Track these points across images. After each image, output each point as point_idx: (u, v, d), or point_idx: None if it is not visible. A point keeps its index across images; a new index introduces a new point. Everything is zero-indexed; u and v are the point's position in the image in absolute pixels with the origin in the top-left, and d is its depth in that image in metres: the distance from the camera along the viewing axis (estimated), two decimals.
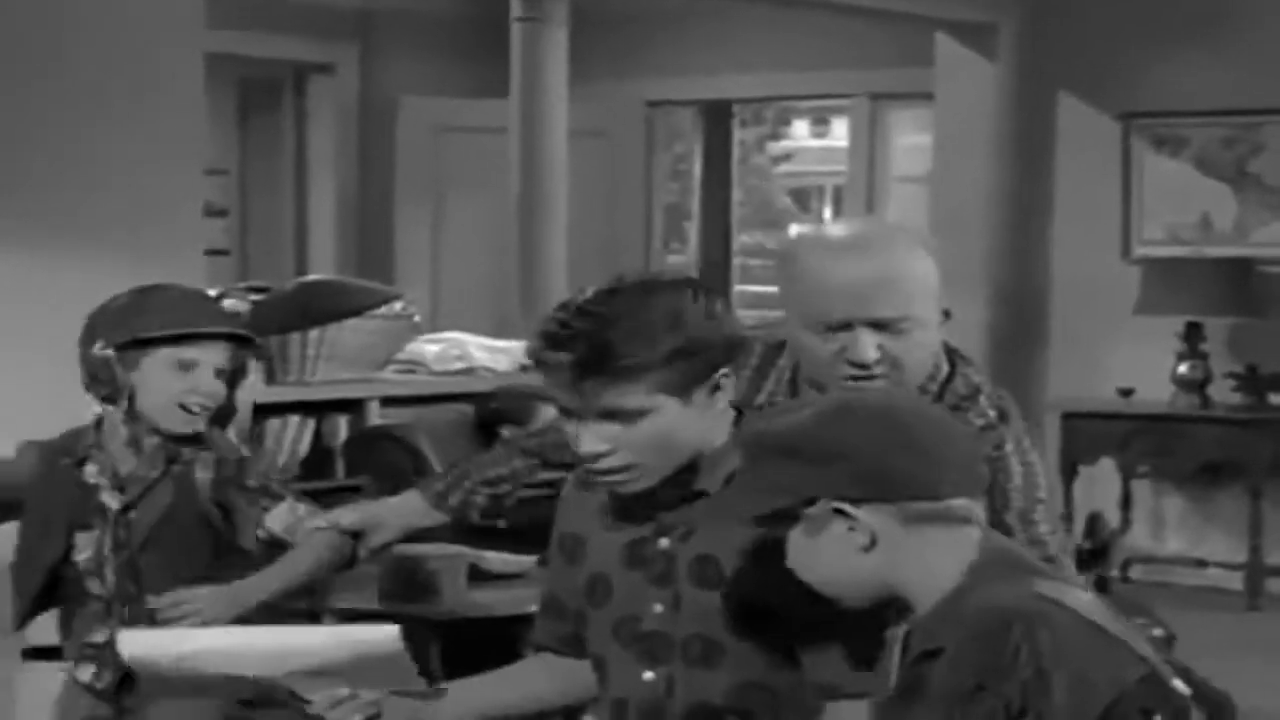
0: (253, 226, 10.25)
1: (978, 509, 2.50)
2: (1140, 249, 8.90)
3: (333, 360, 6.52)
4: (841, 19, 8.94)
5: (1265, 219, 8.62)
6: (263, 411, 6.44)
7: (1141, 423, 8.55)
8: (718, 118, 10.76)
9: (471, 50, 9.45)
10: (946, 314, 3.06)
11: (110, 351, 3.74)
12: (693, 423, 2.72)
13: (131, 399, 3.74)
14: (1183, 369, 8.55)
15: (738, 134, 11.10)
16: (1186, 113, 8.73)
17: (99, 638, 3.75)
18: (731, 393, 2.77)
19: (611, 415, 2.69)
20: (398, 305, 6.75)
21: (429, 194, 9.63)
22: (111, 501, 3.79)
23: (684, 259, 10.82)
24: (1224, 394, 8.39)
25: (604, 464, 2.72)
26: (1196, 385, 8.50)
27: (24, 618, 3.93)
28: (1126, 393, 8.72)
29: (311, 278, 7.50)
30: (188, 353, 3.73)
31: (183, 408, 3.72)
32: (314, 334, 6.45)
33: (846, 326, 2.98)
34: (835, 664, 2.71)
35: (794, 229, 3.21)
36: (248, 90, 10.20)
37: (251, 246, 10.24)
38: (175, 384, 3.69)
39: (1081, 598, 2.42)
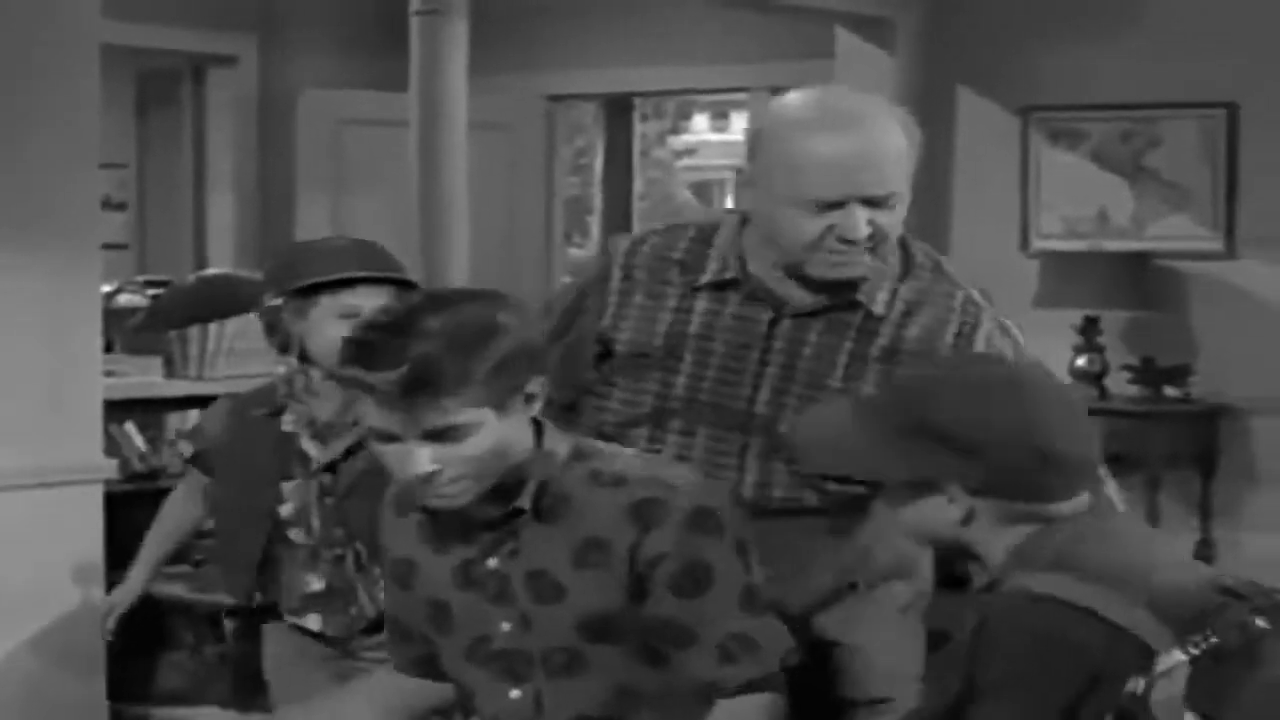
0: (151, 220, 10.18)
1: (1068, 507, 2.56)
2: (1038, 242, 8.96)
3: (233, 354, 6.50)
4: (741, 12, 8.96)
5: (1162, 213, 8.70)
6: (163, 406, 6.40)
7: None
8: (619, 112, 10.77)
9: (372, 43, 9.42)
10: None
11: (279, 301, 3.76)
12: (512, 433, 2.68)
13: (303, 348, 3.75)
14: (1080, 362, 8.61)
15: (639, 128, 11.12)
16: (1084, 106, 8.80)
17: (317, 586, 3.75)
18: (542, 399, 2.72)
19: (438, 434, 2.62)
20: None
21: (330, 187, 9.59)
22: (314, 450, 3.77)
23: (585, 252, 10.83)
24: (1121, 386, 8.46)
25: (435, 483, 2.66)
26: (1094, 378, 8.57)
27: (250, 590, 3.90)
28: None
29: (211, 272, 7.47)
30: (350, 300, 3.74)
31: None
32: (214, 328, 6.43)
33: (837, 204, 2.99)
34: (707, 660, 2.69)
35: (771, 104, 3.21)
36: (146, 82, 10.13)
37: (150, 240, 10.17)
38: (340, 332, 3.70)
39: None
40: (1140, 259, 8.51)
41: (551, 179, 10.29)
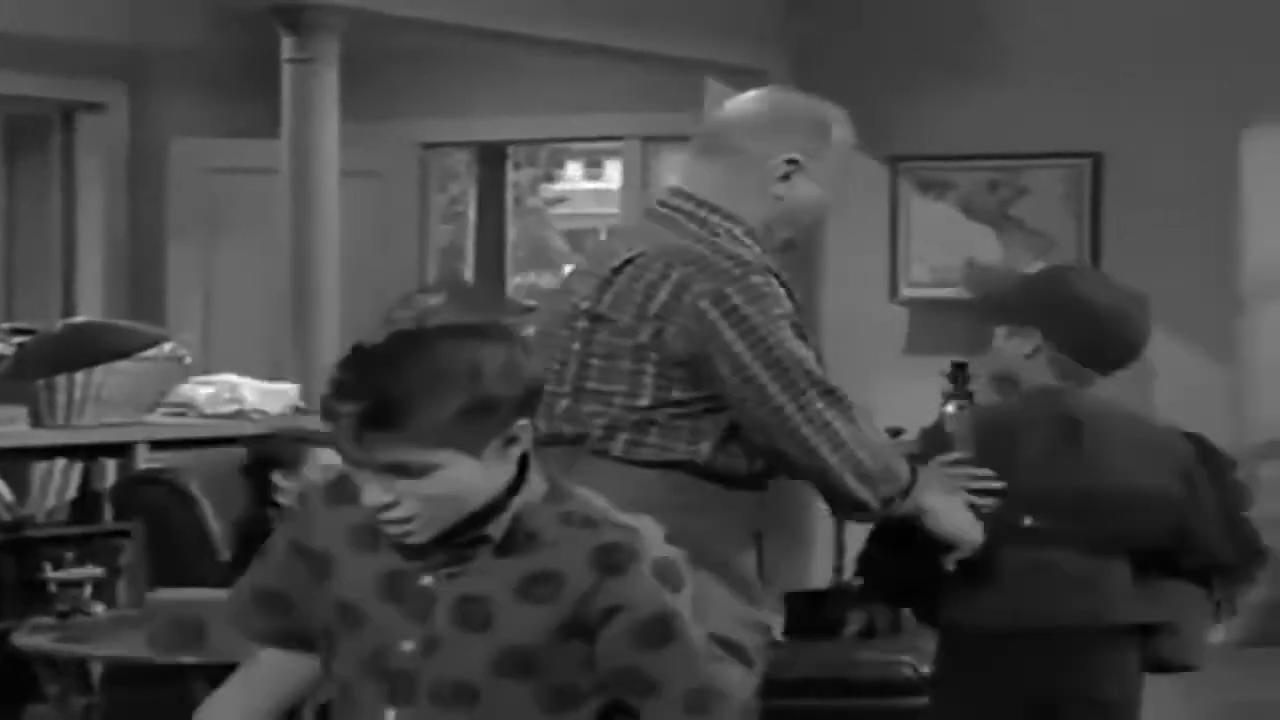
0: (19, 266, 10.08)
1: None
2: (907, 290, 9.05)
3: (101, 403, 6.46)
4: (614, 63, 9.01)
5: (1027, 261, 8.79)
6: (29, 455, 6.34)
7: (911, 462, 8.67)
8: (492, 160, 10.79)
9: (243, 90, 9.39)
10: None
11: None
12: (483, 477, 2.62)
13: None
14: (949, 408, 8.69)
15: (512, 176, 11.13)
16: (952, 157, 8.91)
17: None
18: (528, 443, 2.67)
19: (394, 469, 2.59)
20: (167, 347, 6.70)
21: (200, 235, 9.54)
22: None
23: None
24: None
25: (387, 515, 2.63)
26: None
27: None
28: (896, 432, 8.82)
29: (79, 319, 7.42)
30: None
31: None
32: (81, 376, 6.38)
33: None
34: (674, 711, 2.66)
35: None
36: (13, 129, 10.04)
37: (17, 288, 10.06)
38: None
39: None
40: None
41: (425, 227, 10.30)
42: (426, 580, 2.69)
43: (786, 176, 3.71)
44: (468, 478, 2.61)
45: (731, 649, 3.38)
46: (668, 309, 3.51)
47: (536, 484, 2.71)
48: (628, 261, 3.57)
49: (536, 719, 2.68)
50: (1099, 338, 3.95)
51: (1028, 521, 3.84)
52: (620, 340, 3.54)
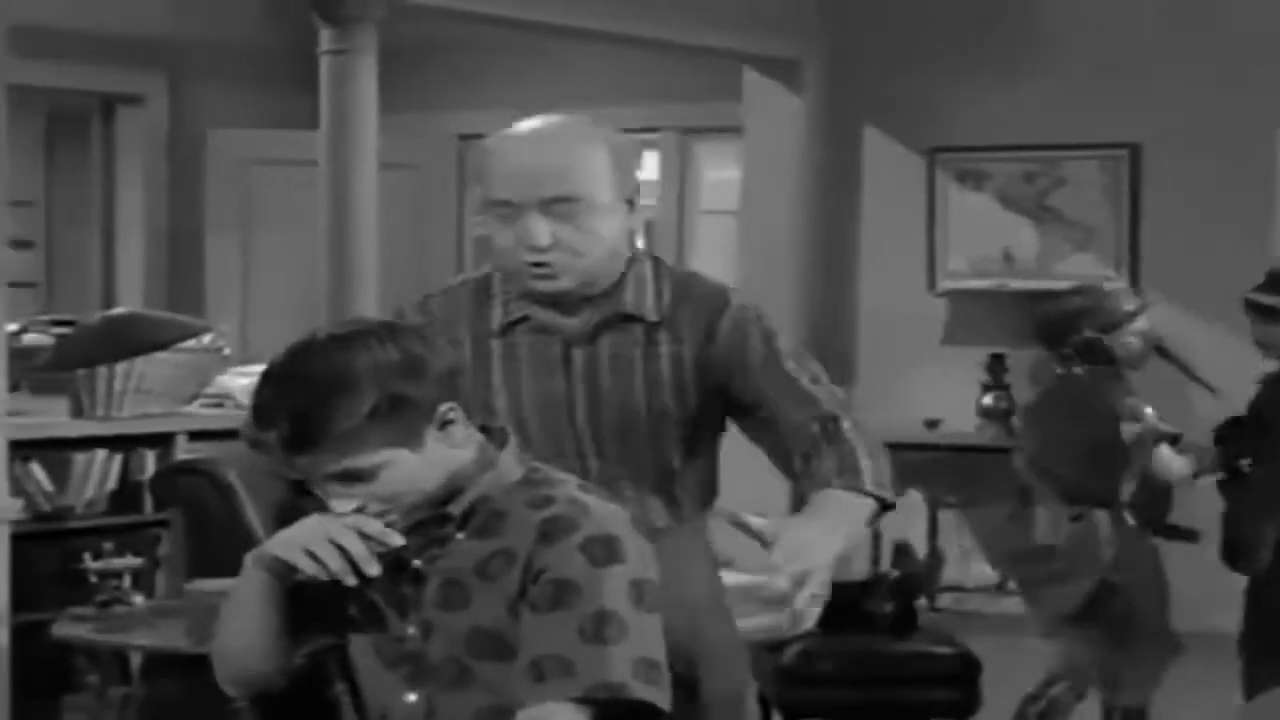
0: (59, 259, 10.12)
1: None
2: (945, 282, 9.03)
3: (140, 394, 6.47)
4: (651, 54, 9.01)
5: (1065, 252, 8.79)
6: (69, 445, 6.37)
7: (947, 453, 8.67)
8: None
9: (281, 82, 9.41)
10: (630, 204, 3.18)
11: None
12: (432, 461, 2.67)
13: None
14: (987, 400, 8.68)
15: None
16: (989, 148, 8.89)
17: None
18: (463, 421, 2.72)
19: (342, 477, 2.64)
20: (206, 338, 6.72)
21: (238, 226, 9.57)
22: None
23: None
24: None
25: (361, 517, 2.66)
26: (1001, 415, 8.64)
27: None
28: (933, 424, 8.84)
29: (119, 311, 7.44)
30: None
31: None
32: (121, 368, 6.40)
33: (517, 209, 3.10)
34: (520, 677, 2.63)
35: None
36: (55, 121, 10.08)
37: (58, 279, 10.11)
38: None
39: None
40: (1045, 297, 8.59)
41: (461, 218, 10.31)
42: (416, 563, 2.73)
43: None
44: (416, 466, 2.66)
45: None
46: None
47: (510, 469, 2.75)
48: None
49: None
50: None
51: None
52: None
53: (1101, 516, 5.69)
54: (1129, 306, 5.96)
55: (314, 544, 2.66)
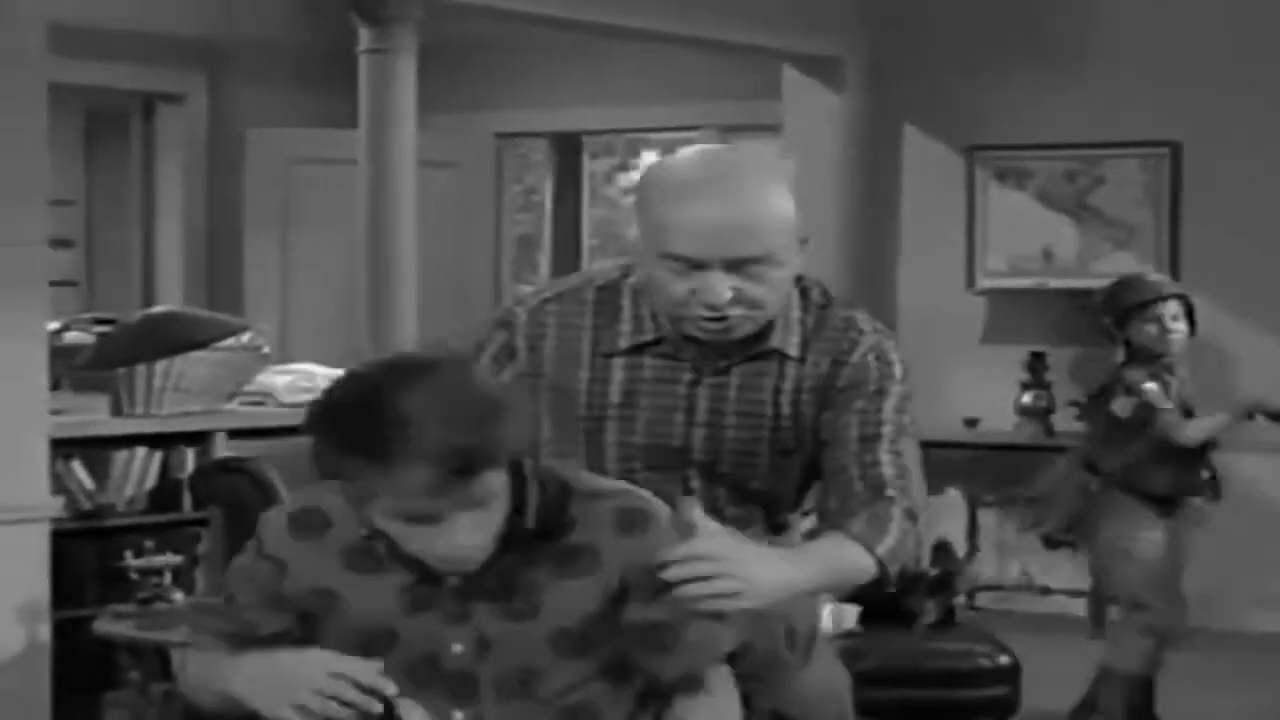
0: (100, 257, 10.15)
1: None
2: (984, 280, 9.01)
3: (180, 392, 6.49)
4: (690, 52, 9.01)
5: (1106, 251, 8.76)
6: (109, 444, 6.39)
7: (987, 452, 8.65)
8: (569, 149, 10.79)
9: (320, 81, 9.43)
10: (804, 241, 3.03)
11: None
12: (505, 484, 2.66)
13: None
14: (1026, 398, 8.66)
15: (588, 165, 11.13)
16: (1029, 146, 8.87)
17: None
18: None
19: (475, 503, 2.60)
20: (245, 337, 6.73)
21: (278, 225, 9.59)
22: None
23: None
24: (1067, 422, 8.50)
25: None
26: (1041, 413, 8.61)
27: None
28: (972, 422, 8.82)
29: (159, 309, 7.45)
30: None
31: None
32: (161, 366, 6.41)
33: (700, 265, 2.95)
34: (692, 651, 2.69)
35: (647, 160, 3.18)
36: (95, 120, 10.11)
37: (99, 277, 10.14)
38: None
39: None
40: (1085, 296, 8.56)
41: (500, 216, 10.32)
42: (454, 580, 2.68)
43: None
44: (502, 490, 2.64)
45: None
46: None
47: (550, 479, 2.76)
48: None
49: (601, 693, 2.70)
50: None
51: None
52: None
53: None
54: (1138, 298, 6.20)
55: (303, 699, 2.63)
